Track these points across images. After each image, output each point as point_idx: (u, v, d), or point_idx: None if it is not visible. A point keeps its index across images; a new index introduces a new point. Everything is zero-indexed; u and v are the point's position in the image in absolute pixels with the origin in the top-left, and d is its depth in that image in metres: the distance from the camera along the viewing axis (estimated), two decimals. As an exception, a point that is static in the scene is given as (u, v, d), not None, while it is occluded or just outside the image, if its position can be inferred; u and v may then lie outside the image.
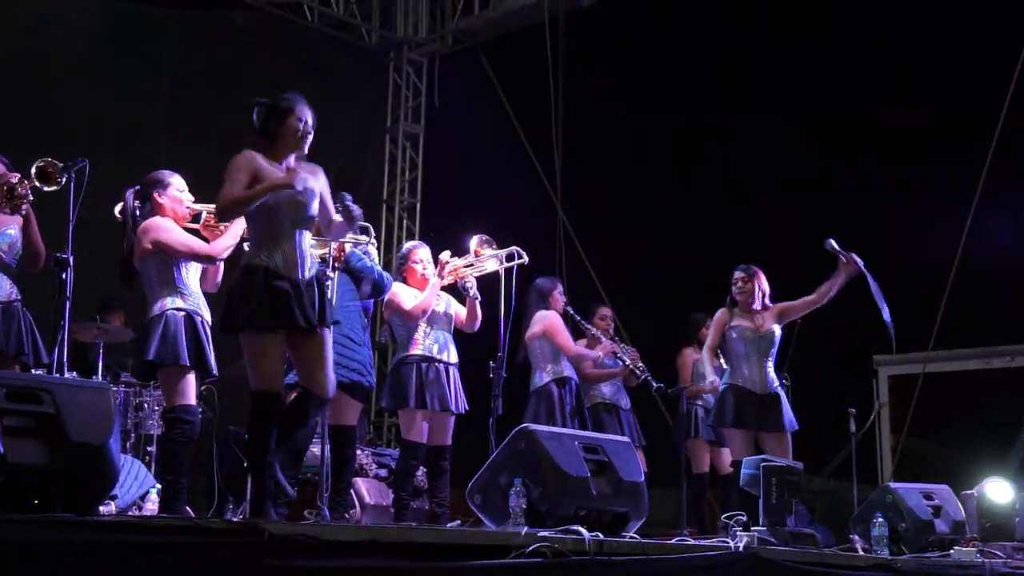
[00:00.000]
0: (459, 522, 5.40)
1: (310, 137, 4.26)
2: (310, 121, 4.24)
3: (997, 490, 5.76)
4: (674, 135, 8.75)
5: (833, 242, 6.08)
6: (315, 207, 4.25)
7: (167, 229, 4.60)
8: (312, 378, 4.22)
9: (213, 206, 4.75)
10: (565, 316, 6.56)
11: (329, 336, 4.26)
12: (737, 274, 6.21)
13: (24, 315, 4.77)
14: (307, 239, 4.23)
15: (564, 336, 6.33)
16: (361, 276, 5.48)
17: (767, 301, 6.19)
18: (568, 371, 6.34)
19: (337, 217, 4.40)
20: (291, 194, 4.13)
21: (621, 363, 6.60)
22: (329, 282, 4.61)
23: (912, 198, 7.86)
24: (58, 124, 7.76)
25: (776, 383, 6.12)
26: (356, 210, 4.37)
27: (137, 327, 5.16)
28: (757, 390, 6.02)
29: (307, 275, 4.16)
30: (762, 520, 4.78)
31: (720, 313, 6.23)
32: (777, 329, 6.16)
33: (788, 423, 6.02)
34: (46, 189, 4.49)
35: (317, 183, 4.28)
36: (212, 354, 4.65)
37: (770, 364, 6.12)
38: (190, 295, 4.63)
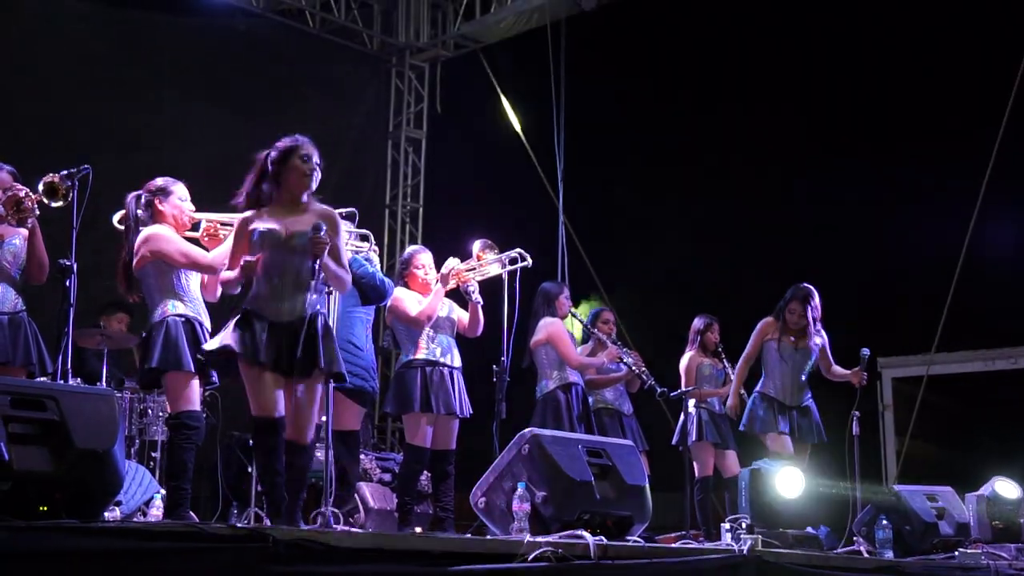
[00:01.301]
0: (470, 534, 5.40)
1: (316, 175, 4.24)
2: (315, 158, 4.24)
3: (1006, 488, 5.76)
4: (675, 138, 8.76)
5: (867, 352, 6.37)
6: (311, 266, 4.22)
7: (167, 239, 4.60)
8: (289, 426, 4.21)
9: (214, 215, 4.77)
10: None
11: (319, 387, 4.24)
12: (795, 306, 6.31)
13: (29, 325, 4.78)
14: (306, 292, 4.20)
15: (567, 345, 6.34)
16: (363, 282, 5.47)
17: (818, 324, 6.38)
18: (574, 376, 6.34)
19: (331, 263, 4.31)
20: (281, 242, 4.15)
21: (625, 367, 6.60)
22: (331, 289, 4.60)
23: (915, 200, 7.86)
24: (61, 132, 7.78)
25: (809, 396, 6.35)
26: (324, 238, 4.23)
27: (140, 331, 5.16)
28: (788, 402, 6.18)
29: (288, 319, 4.16)
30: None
31: (764, 324, 6.40)
32: (818, 343, 6.35)
33: (818, 434, 6.30)
34: (53, 205, 4.50)
35: (331, 231, 4.23)
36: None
37: (804, 378, 6.34)
38: (191, 301, 4.63)
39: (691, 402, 6.69)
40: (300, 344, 4.13)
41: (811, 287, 6.41)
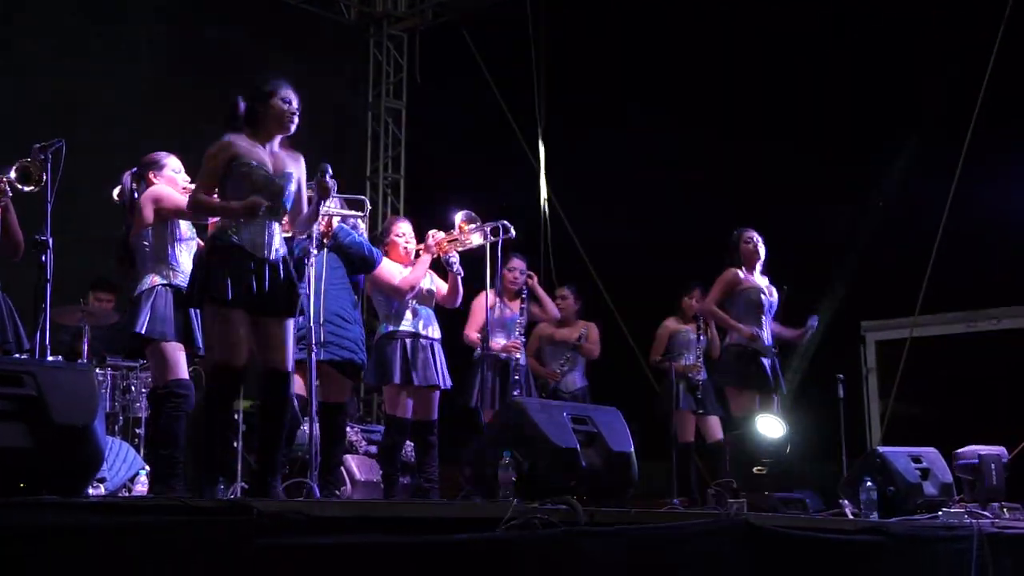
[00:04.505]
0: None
1: (296, 119, 4.24)
2: (295, 103, 4.25)
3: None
4: (658, 106, 8.71)
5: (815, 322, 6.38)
6: (291, 194, 4.25)
7: (166, 195, 4.66)
8: (269, 359, 4.20)
9: None
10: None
11: (291, 323, 4.24)
12: (754, 235, 6.29)
13: (5, 302, 4.73)
14: (277, 227, 4.23)
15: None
16: (350, 252, 5.45)
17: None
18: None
19: (310, 193, 4.38)
20: (267, 180, 4.14)
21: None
22: (312, 258, 4.58)
23: (897, 162, 7.84)
24: (35, 107, 7.69)
25: (773, 344, 6.28)
26: (331, 183, 4.31)
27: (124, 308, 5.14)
28: (765, 350, 6.13)
29: (274, 257, 4.17)
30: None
31: (729, 272, 6.26)
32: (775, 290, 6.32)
33: (783, 385, 6.21)
34: (25, 190, 4.45)
35: (296, 171, 4.28)
36: (200, 332, 4.65)
37: (768, 325, 6.25)
38: (180, 272, 4.65)
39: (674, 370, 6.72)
40: (281, 284, 4.14)
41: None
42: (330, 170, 4.32)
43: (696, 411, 6.75)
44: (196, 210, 4.29)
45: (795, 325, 6.48)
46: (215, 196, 4.19)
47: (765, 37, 8.44)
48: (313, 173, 4.37)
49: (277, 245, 4.20)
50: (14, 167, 4.43)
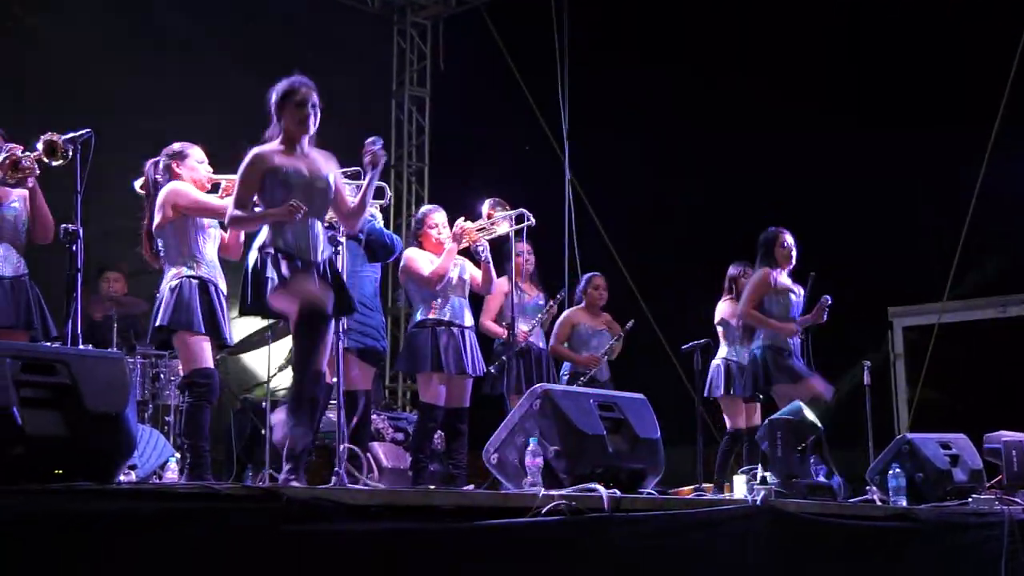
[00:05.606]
0: (473, 486, 5.43)
1: (314, 117, 4.25)
2: (312, 99, 4.25)
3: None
4: (681, 90, 8.66)
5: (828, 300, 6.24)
6: (331, 194, 4.29)
7: (183, 192, 4.66)
8: None
9: (233, 176, 4.77)
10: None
11: (332, 323, 4.28)
12: (789, 239, 6.24)
13: (32, 289, 4.78)
14: (319, 227, 4.26)
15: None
16: (371, 239, 5.47)
17: None
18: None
19: (348, 189, 4.40)
20: (305, 183, 4.17)
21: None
22: (340, 246, 4.59)
23: (926, 146, 7.76)
24: (64, 98, 7.74)
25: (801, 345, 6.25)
26: (381, 156, 4.36)
27: (138, 293, 5.18)
28: (794, 349, 6.15)
29: (320, 259, 4.21)
30: (768, 472, 4.78)
31: (764, 273, 6.23)
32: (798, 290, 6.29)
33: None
34: (53, 164, 4.48)
35: (332, 170, 4.32)
36: (227, 323, 4.67)
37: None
38: (205, 264, 4.68)
39: (720, 354, 6.69)
40: (328, 285, 4.18)
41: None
42: (380, 141, 4.36)
43: (757, 396, 6.65)
44: (236, 226, 4.39)
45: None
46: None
47: (789, 27, 8.37)
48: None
49: (322, 247, 4.24)
50: (40, 141, 4.47)
